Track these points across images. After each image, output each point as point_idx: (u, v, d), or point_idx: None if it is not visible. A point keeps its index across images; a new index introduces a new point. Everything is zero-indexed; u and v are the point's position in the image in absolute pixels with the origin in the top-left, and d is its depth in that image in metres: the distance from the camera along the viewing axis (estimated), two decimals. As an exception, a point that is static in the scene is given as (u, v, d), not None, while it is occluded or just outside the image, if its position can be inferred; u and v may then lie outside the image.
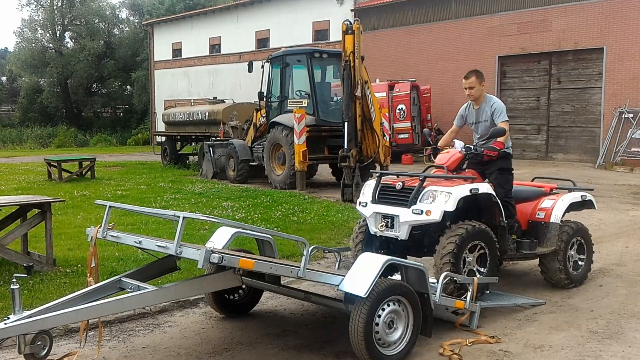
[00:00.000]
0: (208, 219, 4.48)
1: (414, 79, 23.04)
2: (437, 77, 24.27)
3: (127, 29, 49.54)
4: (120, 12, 51.00)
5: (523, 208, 6.40)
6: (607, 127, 20.50)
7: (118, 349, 4.85)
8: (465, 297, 5.27)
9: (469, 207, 5.67)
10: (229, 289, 5.36)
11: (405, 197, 5.60)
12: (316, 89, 15.04)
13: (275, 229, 9.01)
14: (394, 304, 4.50)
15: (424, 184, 5.59)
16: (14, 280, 3.83)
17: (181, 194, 13.61)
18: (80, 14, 46.06)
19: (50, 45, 46.77)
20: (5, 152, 32.89)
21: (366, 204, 5.91)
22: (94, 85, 49.44)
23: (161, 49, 39.87)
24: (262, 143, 15.84)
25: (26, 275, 4.41)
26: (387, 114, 19.24)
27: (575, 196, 6.56)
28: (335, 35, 25.95)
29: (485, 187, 5.67)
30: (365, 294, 4.25)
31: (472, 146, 6.19)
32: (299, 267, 4.34)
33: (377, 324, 4.37)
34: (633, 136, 19.69)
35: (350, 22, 13.44)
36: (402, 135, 22.23)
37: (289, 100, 15.44)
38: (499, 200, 5.77)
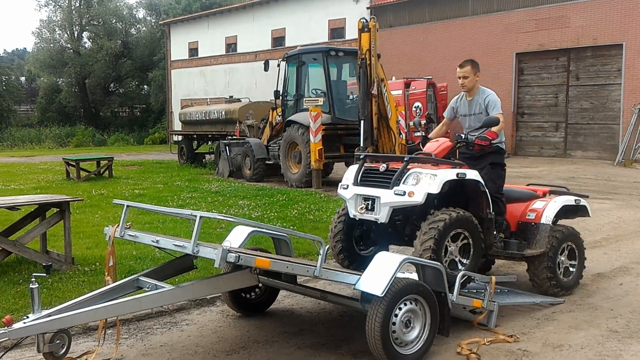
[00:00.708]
0: (225, 218, 4.49)
1: (430, 77, 22.92)
2: (453, 75, 23.62)
3: (144, 28, 49.91)
4: (137, 12, 51.50)
5: (513, 209, 6.09)
6: (627, 123, 20.26)
7: (136, 347, 4.87)
8: (484, 296, 5.22)
9: (456, 196, 5.41)
10: (246, 288, 5.36)
11: (389, 179, 5.28)
12: (332, 87, 15.02)
13: (291, 227, 9.01)
14: (411, 303, 4.48)
15: (409, 167, 5.27)
16: (33, 279, 3.86)
17: (198, 193, 13.67)
18: (97, 14, 46.48)
19: (68, 45, 47.25)
20: (24, 151, 33.25)
21: (347, 186, 5.56)
22: (112, 85, 49.88)
23: (178, 48, 40.08)
24: (278, 142, 15.86)
25: (45, 274, 4.45)
26: (403, 112, 19.14)
27: (569, 199, 6.25)
28: (351, 33, 25.92)
29: (473, 174, 5.33)
30: (382, 293, 4.23)
31: (463, 135, 5.91)
32: (316, 266, 4.33)
33: (394, 323, 4.35)
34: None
35: (366, 19, 13.40)
36: (418, 133, 22.12)
37: (305, 99, 15.43)
38: (487, 190, 5.45)
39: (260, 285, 5.39)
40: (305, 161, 14.38)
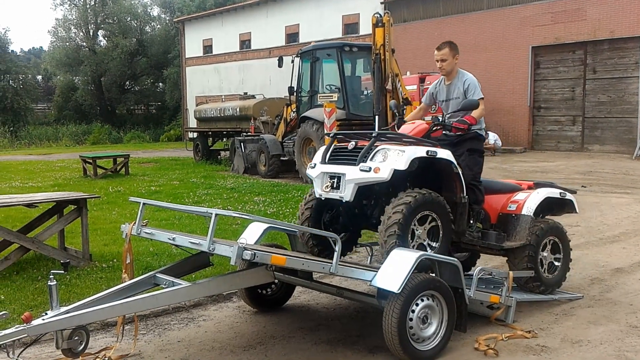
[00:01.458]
0: (240, 215, 4.49)
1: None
2: (468, 69, 23.52)
3: (158, 26, 50.11)
4: (152, 9, 51.67)
5: (495, 200, 5.80)
6: (645, 117, 20.02)
7: (154, 343, 4.90)
8: (501, 292, 5.19)
9: (428, 179, 5.14)
10: (262, 284, 5.37)
11: (356, 156, 4.99)
12: (346, 83, 14.99)
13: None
14: (428, 299, 4.46)
15: (377, 144, 4.97)
16: (51, 276, 3.89)
17: (213, 189, 13.71)
18: (112, 12, 46.76)
19: (84, 43, 47.59)
20: (41, 149, 33.56)
21: (315, 165, 5.29)
22: (127, 82, 50.16)
23: (192, 45, 40.21)
24: (293, 138, 15.86)
25: (63, 271, 4.48)
26: (418, 107, 19.06)
27: (553, 191, 5.93)
28: (365, 28, 25.84)
29: (445, 153, 4.99)
30: (399, 289, 4.22)
31: (440, 117, 5.67)
32: (331, 263, 4.32)
33: (410, 319, 4.34)
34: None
35: (380, 14, 13.36)
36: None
37: (319, 95, 15.42)
38: (460, 171, 5.14)
39: (276, 281, 5.40)
40: (320, 157, 14.34)
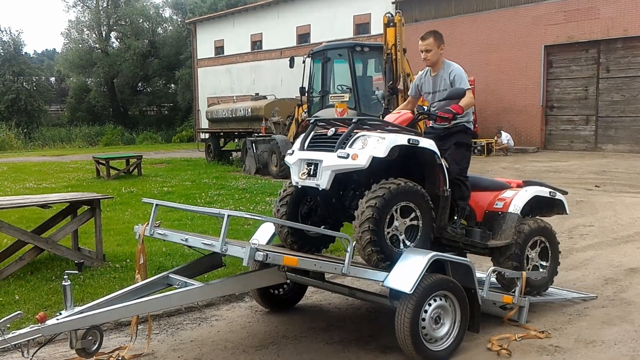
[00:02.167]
0: (252, 216, 4.49)
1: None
2: (480, 69, 23.88)
3: (170, 27, 50.33)
4: (164, 11, 51.89)
5: (481, 197, 5.59)
6: (659, 116, 19.86)
7: (167, 342, 4.93)
8: (514, 292, 5.16)
9: (410, 171, 4.88)
10: (274, 284, 5.38)
11: (335, 143, 4.75)
12: (358, 83, 14.98)
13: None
14: (441, 300, 4.46)
15: (357, 130, 4.74)
16: (65, 276, 3.91)
17: (225, 190, 13.75)
18: (125, 14, 47.03)
19: (97, 45, 47.88)
20: (55, 150, 33.80)
21: (293, 152, 5.07)
22: (139, 84, 50.44)
23: (204, 46, 40.36)
24: (305, 138, 15.83)
25: (77, 272, 4.51)
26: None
27: (542, 190, 5.71)
28: (376, 28, 25.79)
29: (427, 143, 4.75)
30: (411, 290, 4.21)
31: (425, 107, 5.41)
32: (343, 264, 4.32)
33: (423, 319, 4.34)
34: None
35: (391, 14, 13.34)
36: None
37: (330, 95, 15.42)
38: (443, 163, 4.93)
39: (288, 281, 5.40)
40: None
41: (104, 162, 17.34)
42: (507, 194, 5.60)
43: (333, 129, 4.91)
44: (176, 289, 4.44)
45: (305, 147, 4.98)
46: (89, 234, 7.72)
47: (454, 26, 25.38)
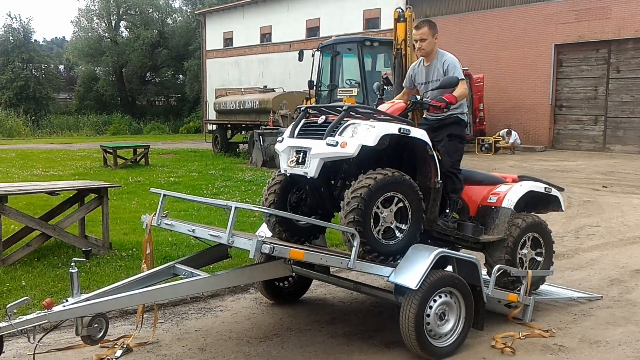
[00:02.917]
0: (258, 209, 4.50)
1: (466, 68, 22.53)
2: (490, 66, 23.81)
3: (179, 18, 50.36)
4: (174, 1, 52.00)
5: (475, 192, 5.48)
6: (669, 117, 19.76)
7: (171, 332, 4.95)
8: (519, 290, 5.16)
9: (402, 162, 4.84)
10: (280, 277, 5.39)
11: (324, 130, 4.66)
12: (366, 78, 14.97)
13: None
14: (446, 296, 4.46)
15: (347, 118, 4.66)
16: (72, 264, 3.93)
17: (231, 182, 13.77)
18: (134, 3, 47.06)
19: (106, 34, 47.98)
20: (62, 138, 33.91)
21: (282, 139, 4.99)
22: (148, 74, 50.53)
23: (213, 38, 40.33)
24: (312, 132, 15.83)
25: (84, 259, 4.53)
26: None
27: (537, 185, 5.59)
28: (386, 23, 25.72)
29: (419, 133, 4.64)
30: (416, 286, 4.22)
31: (418, 96, 5.32)
32: (349, 258, 4.32)
33: (428, 315, 4.34)
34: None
35: (402, 9, 13.28)
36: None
37: (339, 89, 15.41)
38: (435, 154, 4.82)
39: (293, 274, 5.41)
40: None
41: (111, 151, 17.39)
42: (501, 188, 5.49)
43: (323, 117, 4.83)
44: (182, 279, 4.46)
45: (295, 135, 4.91)
46: (96, 222, 7.75)
47: (464, 23, 25.30)
